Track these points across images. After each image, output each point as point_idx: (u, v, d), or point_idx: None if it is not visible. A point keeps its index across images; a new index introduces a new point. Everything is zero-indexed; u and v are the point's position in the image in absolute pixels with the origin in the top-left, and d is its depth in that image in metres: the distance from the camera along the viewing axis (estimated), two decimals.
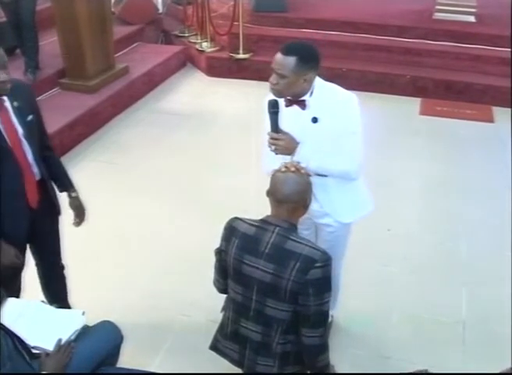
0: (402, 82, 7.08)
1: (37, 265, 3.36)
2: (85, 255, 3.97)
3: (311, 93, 2.82)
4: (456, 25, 7.60)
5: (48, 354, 2.57)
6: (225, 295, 2.71)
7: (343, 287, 3.46)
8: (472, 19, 7.75)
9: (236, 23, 7.51)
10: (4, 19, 6.29)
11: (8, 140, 2.84)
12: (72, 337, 2.68)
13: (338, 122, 2.79)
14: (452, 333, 3.64)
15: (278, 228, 2.41)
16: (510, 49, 6.95)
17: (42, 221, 3.14)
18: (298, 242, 2.38)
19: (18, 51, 6.57)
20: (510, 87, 6.63)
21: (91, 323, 2.82)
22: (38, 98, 6.10)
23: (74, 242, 4.49)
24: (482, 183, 5.24)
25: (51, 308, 2.85)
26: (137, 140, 6.03)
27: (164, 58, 7.66)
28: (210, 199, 4.93)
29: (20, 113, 2.88)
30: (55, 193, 3.21)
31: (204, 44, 7.97)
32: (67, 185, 3.27)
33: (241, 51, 7.59)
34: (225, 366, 2.77)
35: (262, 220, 2.47)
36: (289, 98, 2.83)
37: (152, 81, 7.30)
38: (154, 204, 4.91)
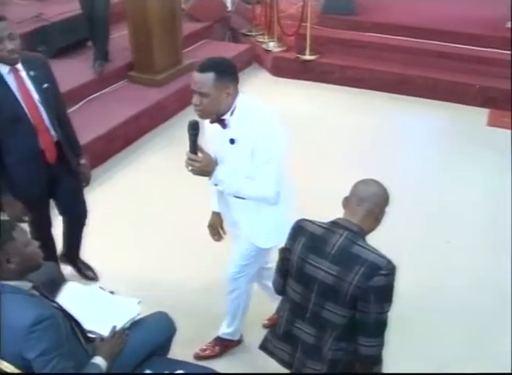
0: (470, 91, 6.90)
1: (62, 221, 3.83)
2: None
3: (232, 112, 2.80)
4: None
5: (102, 339, 2.62)
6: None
7: None
8: None
9: (303, 24, 7.48)
10: (79, 11, 6.47)
11: (24, 105, 3.22)
12: (127, 325, 2.72)
13: (254, 147, 2.77)
14: None
15: (347, 232, 2.40)
16: None
17: (62, 179, 3.54)
18: (365, 248, 2.37)
19: (89, 43, 6.73)
20: None
21: None
22: (106, 90, 6.34)
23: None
24: None
25: (109, 295, 2.90)
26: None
27: (230, 55, 7.63)
28: None
29: (36, 81, 3.25)
30: (71, 154, 3.55)
31: (271, 44, 7.97)
32: (76, 152, 3.64)
33: (308, 52, 7.55)
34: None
35: (332, 222, 2.47)
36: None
37: None
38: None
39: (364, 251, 2.35)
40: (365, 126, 6.29)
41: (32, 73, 3.25)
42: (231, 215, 3.12)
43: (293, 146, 5.73)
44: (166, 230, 4.54)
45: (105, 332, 2.64)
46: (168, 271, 4.15)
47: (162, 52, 6.52)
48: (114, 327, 2.64)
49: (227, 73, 2.73)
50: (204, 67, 2.70)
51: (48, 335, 2.26)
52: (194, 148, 2.78)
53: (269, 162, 2.78)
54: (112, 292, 2.92)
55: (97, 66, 6.34)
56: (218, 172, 2.79)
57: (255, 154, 2.77)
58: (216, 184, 2.88)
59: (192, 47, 7.60)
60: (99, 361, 2.49)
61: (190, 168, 2.80)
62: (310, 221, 2.53)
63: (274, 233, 3.04)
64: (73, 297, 2.78)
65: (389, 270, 2.32)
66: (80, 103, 6.02)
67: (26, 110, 3.24)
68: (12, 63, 3.16)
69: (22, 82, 3.23)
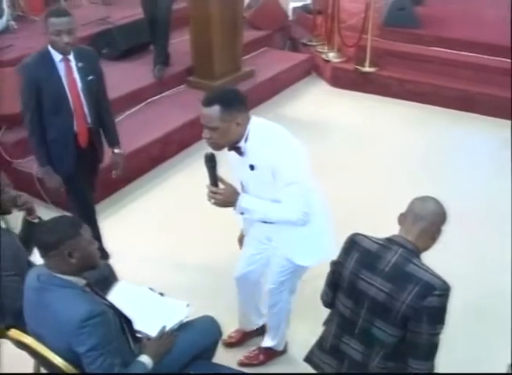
0: None
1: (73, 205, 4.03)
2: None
3: (246, 138, 2.75)
4: None
5: (149, 338, 2.65)
6: None
7: None
8: None
9: (364, 35, 7.44)
10: (142, 16, 6.59)
11: (67, 91, 3.65)
12: (175, 327, 2.74)
13: (273, 170, 2.72)
14: None
15: (402, 249, 2.37)
16: None
17: (87, 160, 3.91)
18: (420, 267, 2.33)
19: (151, 46, 6.84)
20: None
21: None
22: (165, 94, 6.42)
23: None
24: None
25: (158, 296, 2.93)
26: None
27: (289, 65, 7.70)
28: None
29: (83, 72, 3.67)
30: (100, 143, 3.98)
31: (331, 55, 7.93)
32: (114, 142, 4.01)
33: (367, 64, 7.48)
34: None
35: (387, 239, 2.45)
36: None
37: (276, 87, 7.35)
38: None
39: (419, 270, 2.32)
40: (422, 142, 6.18)
41: (80, 64, 3.67)
42: (264, 231, 3.11)
43: (348, 157, 5.80)
44: (217, 230, 4.54)
45: (153, 333, 2.67)
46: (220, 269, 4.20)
47: (222, 59, 6.57)
48: (163, 328, 2.67)
49: (233, 103, 2.69)
50: (208, 101, 2.67)
51: (99, 331, 2.31)
52: (214, 180, 2.78)
53: (292, 184, 2.74)
54: (161, 293, 2.95)
55: (157, 70, 6.44)
56: (242, 201, 2.77)
57: (276, 177, 2.74)
58: (242, 213, 2.87)
59: (251, 54, 7.64)
60: (145, 359, 2.52)
61: (212, 201, 2.78)
62: (364, 236, 2.50)
63: (312, 251, 3.04)
64: (124, 296, 2.81)
65: (444, 291, 2.28)
66: (139, 105, 6.13)
67: (68, 95, 3.66)
68: (64, 53, 3.59)
69: (70, 71, 3.66)
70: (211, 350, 2.96)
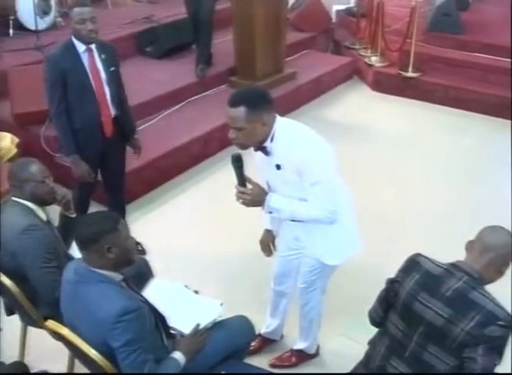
0: None
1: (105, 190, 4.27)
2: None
3: (272, 138, 2.72)
4: None
5: (182, 336, 2.66)
6: None
7: None
8: None
9: (408, 40, 7.36)
10: (185, 15, 6.64)
11: (92, 81, 3.78)
12: (209, 326, 2.75)
13: (298, 170, 2.70)
14: None
15: (466, 277, 2.31)
16: None
17: (113, 150, 4.03)
18: (484, 295, 2.27)
19: (194, 46, 6.89)
20: None
21: None
22: (206, 93, 6.46)
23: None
24: None
25: (193, 294, 2.94)
26: None
27: (332, 67, 7.67)
28: None
29: (105, 64, 3.82)
30: (128, 129, 4.10)
31: (374, 59, 7.88)
32: (131, 128, 4.17)
33: (410, 69, 7.41)
34: None
35: (452, 264, 2.39)
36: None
37: (318, 89, 7.34)
38: None
39: (483, 298, 2.26)
40: (462, 149, 6.09)
41: (103, 56, 3.82)
42: (291, 231, 3.10)
43: (387, 162, 5.74)
44: (256, 229, 4.54)
45: (186, 330, 2.67)
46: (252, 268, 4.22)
47: (265, 60, 6.58)
48: (197, 325, 2.67)
49: (259, 103, 2.67)
50: (234, 102, 2.65)
51: (134, 327, 2.32)
52: (242, 180, 2.78)
53: (319, 183, 2.72)
54: (196, 291, 2.96)
55: (199, 69, 6.48)
56: (270, 200, 2.78)
57: (303, 176, 2.73)
58: (271, 212, 2.87)
59: (294, 56, 7.63)
60: (178, 356, 2.52)
61: (240, 201, 2.79)
62: (427, 258, 2.45)
63: (340, 250, 3.03)
64: (159, 293, 2.82)
65: (507, 322, 2.21)
66: (181, 104, 6.19)
67: (93, 85, 3.79)
68: (88, 42, 3.71)
69: (94, 62, 3.80)
70: (243, 350, 2.96)
